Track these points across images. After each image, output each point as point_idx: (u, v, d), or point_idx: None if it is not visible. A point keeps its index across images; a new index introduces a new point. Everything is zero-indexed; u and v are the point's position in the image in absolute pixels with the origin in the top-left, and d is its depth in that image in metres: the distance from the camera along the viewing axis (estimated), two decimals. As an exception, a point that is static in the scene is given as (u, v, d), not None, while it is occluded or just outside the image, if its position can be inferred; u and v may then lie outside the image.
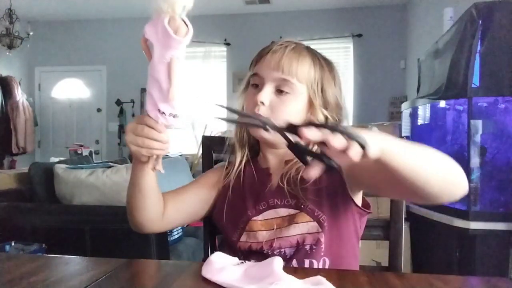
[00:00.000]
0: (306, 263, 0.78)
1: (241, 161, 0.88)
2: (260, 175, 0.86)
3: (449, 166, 0.62)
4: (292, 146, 0.53)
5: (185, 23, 0.61)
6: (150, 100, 0.66)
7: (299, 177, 0.79)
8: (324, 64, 0.84)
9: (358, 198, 0.83)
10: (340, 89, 0.85)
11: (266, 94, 0.79)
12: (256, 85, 0.83)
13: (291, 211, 0.80)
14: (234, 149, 0.90)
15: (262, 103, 0.79)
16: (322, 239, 0.78)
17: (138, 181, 0.77)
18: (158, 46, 0.62)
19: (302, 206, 0.79)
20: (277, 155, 0.87)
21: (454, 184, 0.63)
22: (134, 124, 0.69)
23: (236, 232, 0.83)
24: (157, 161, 0.72)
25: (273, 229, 0.80)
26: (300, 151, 0.52)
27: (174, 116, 0.66)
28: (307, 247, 0.78)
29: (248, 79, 0.86)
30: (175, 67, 0.62)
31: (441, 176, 0.61)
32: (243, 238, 0.82)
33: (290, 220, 0.79)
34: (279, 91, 0.80)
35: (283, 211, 0.81)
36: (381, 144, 0.52)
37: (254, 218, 0.82)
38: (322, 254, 0.78)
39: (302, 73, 0.80)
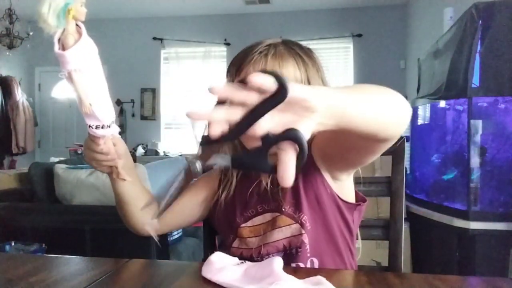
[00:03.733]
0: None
1: (237, 175, 0.86)
2: (250, 180, 0.85)
3: (391, 95, 0.59)
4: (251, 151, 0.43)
5: (78, 26, 0.61)
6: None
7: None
8: (305, 58, 0.79)
9: (342, 190, 0.79)
10: (323, 74, 0.82)
11: None
12: None
13: (274, 215, 0.79)
14: None
15: None
16: (306, 240, 0.76)
17: (116, 192, 0.80)
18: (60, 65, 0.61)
19: (283, 209, 0.78)
20: None
21: (404, 115, 0.60)
22: (85, 140, 0.72)
23: (229, 238, 0.83)
24: (117, 171, 0.75)
25: (260, 235, 0.80)
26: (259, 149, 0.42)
27: (102, 127, 0.67)
28: (293, 250, 0.77)
29: None
30: (76, 80, 0.61)
31: (391, 108, 0.58)
32: (235, 244, 0.83)
33: (273, 224, 0.79)
34: None
35: (268, 216, 0.80)
36: (327, 100, 0.45)
37: (243, 225, 0.82)
38: (308, 255, 0.77)
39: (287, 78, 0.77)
